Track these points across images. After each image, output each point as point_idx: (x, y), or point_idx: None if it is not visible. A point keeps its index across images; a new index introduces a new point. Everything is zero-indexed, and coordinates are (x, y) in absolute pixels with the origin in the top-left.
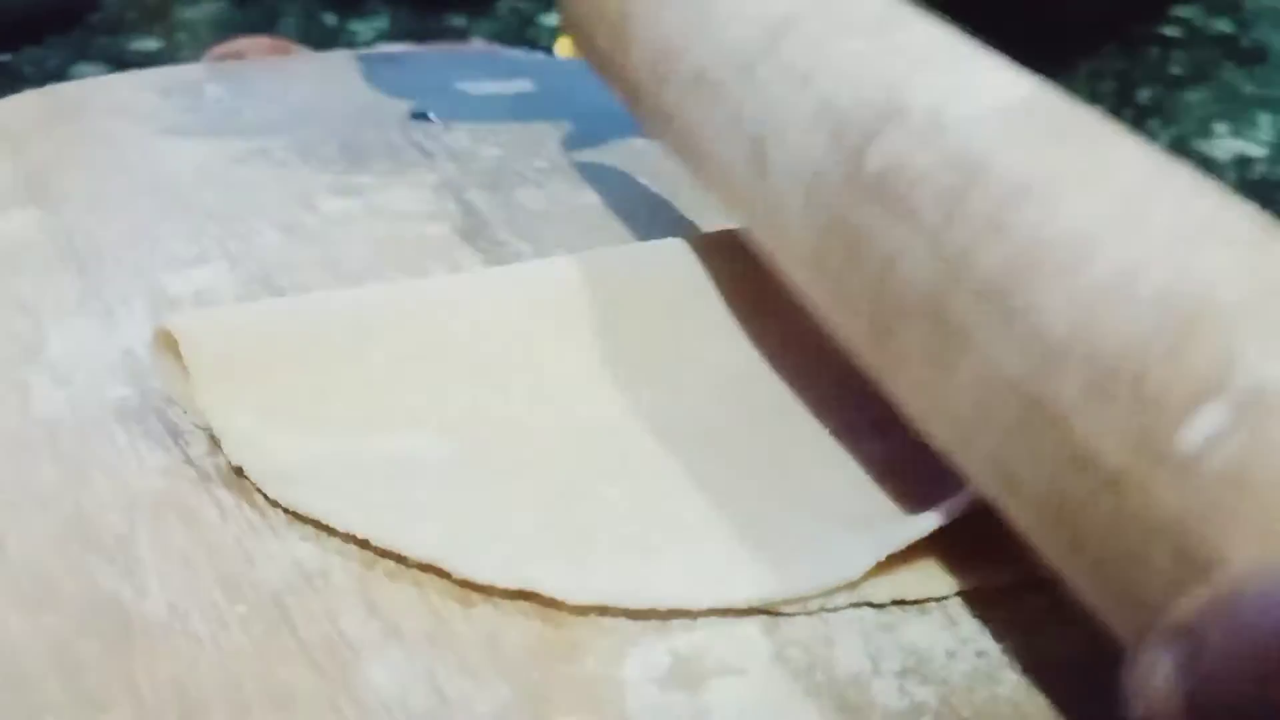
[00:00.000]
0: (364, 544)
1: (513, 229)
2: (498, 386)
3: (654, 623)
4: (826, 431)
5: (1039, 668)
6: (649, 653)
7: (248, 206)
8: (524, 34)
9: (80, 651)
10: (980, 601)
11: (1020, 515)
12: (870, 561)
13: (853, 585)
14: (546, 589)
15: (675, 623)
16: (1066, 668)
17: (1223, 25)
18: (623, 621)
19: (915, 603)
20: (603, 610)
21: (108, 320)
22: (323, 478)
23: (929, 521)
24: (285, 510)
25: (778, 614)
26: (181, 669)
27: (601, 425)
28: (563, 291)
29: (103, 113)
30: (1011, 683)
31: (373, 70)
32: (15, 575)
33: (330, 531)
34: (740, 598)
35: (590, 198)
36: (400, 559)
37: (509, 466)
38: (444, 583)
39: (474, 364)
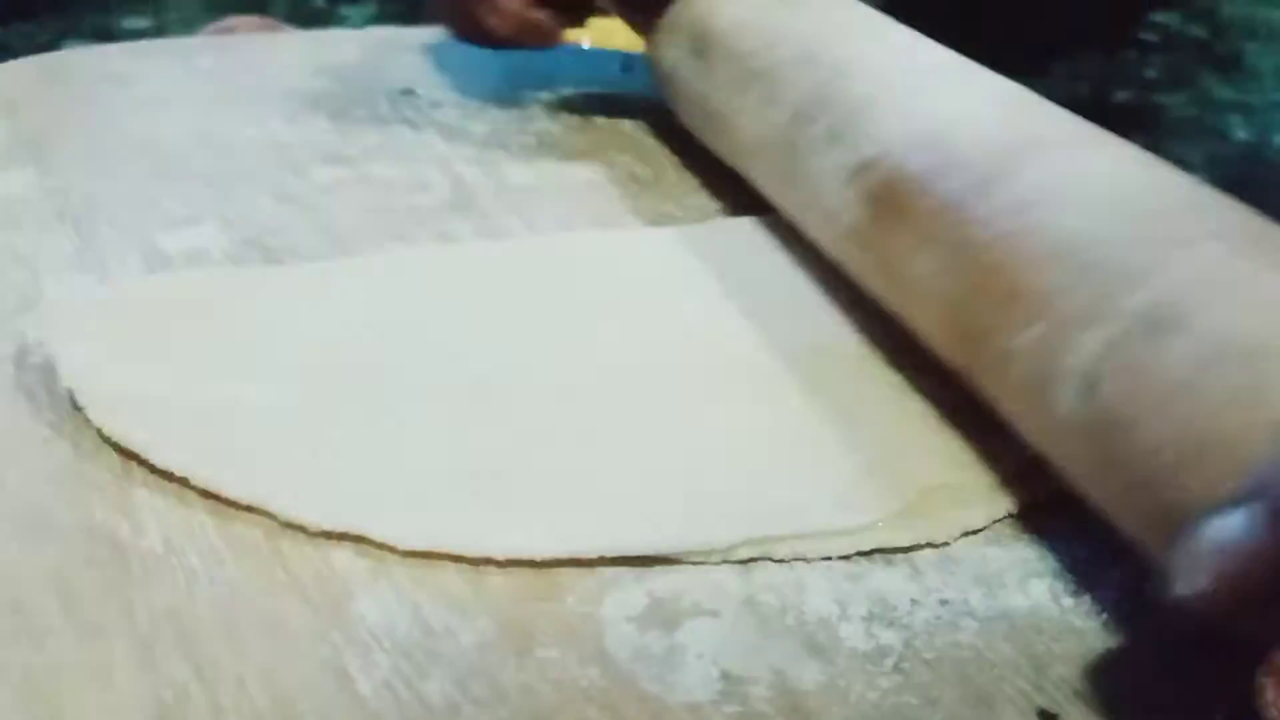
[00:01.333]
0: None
1: (501, 202)
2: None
3: (633, 568)
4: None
5: (998, 617)
6: (627, 594)
7: (239, 172)
8: None
9: (79, 581)
10: (944, 556)
11: None
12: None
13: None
14: (375, 534)
15: (655, 568)
16: (1023, 617)
17: (1199, 31)
18: (602, 566)
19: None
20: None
21: (103, 275)
22: (151, 413)
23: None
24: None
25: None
26: (178, 599)
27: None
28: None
29: (97, 80)
30: (972, 630)
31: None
32: (15, 509)
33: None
34: (596, 546)
35: (578, 174)
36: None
37: (355, 415)
38: None
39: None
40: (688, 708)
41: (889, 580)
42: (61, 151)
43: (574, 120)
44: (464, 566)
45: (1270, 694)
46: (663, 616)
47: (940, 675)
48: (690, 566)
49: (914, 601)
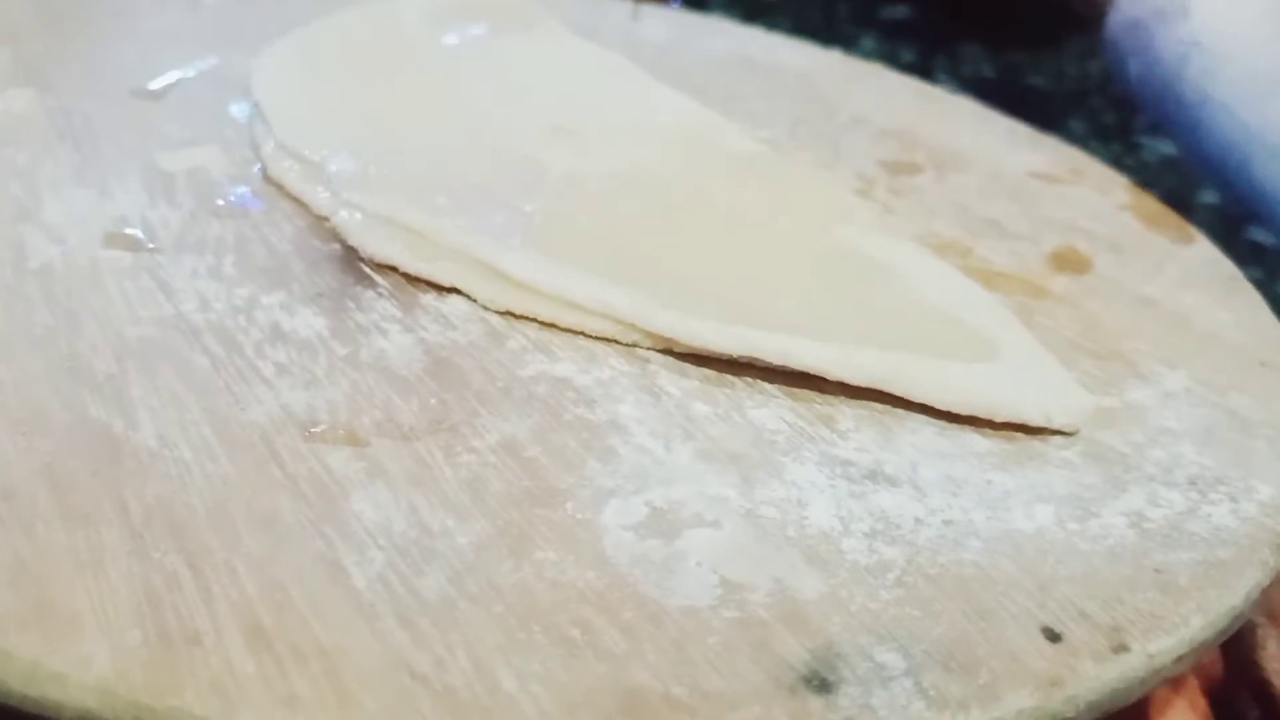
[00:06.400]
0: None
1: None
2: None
3: (631, 479)
4: None
5: (1002, 538)
6: (626, 504)
7: (239, 98)
8: None
9: (71, 471)
10: (947, 478)
11: None
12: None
13: None
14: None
15: (653, 479)
16: (1028, 539)
17: None
18: (600, 476)
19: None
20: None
21: (103, 191)
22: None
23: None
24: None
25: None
26: (169, 491)
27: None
28: None
29: (102, 13)
30: (976, 549)
31: None
32: (8, 403)
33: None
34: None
35: None
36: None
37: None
38: (433, 435)
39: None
40: (685, 611)
41: (893, 500)
42: (64, 76)
43: None
44: (460, 475)
45: (1271, 647)
46: (662, 526)
47: (943, 590)
48: (692, 479)
49: (918, 520)
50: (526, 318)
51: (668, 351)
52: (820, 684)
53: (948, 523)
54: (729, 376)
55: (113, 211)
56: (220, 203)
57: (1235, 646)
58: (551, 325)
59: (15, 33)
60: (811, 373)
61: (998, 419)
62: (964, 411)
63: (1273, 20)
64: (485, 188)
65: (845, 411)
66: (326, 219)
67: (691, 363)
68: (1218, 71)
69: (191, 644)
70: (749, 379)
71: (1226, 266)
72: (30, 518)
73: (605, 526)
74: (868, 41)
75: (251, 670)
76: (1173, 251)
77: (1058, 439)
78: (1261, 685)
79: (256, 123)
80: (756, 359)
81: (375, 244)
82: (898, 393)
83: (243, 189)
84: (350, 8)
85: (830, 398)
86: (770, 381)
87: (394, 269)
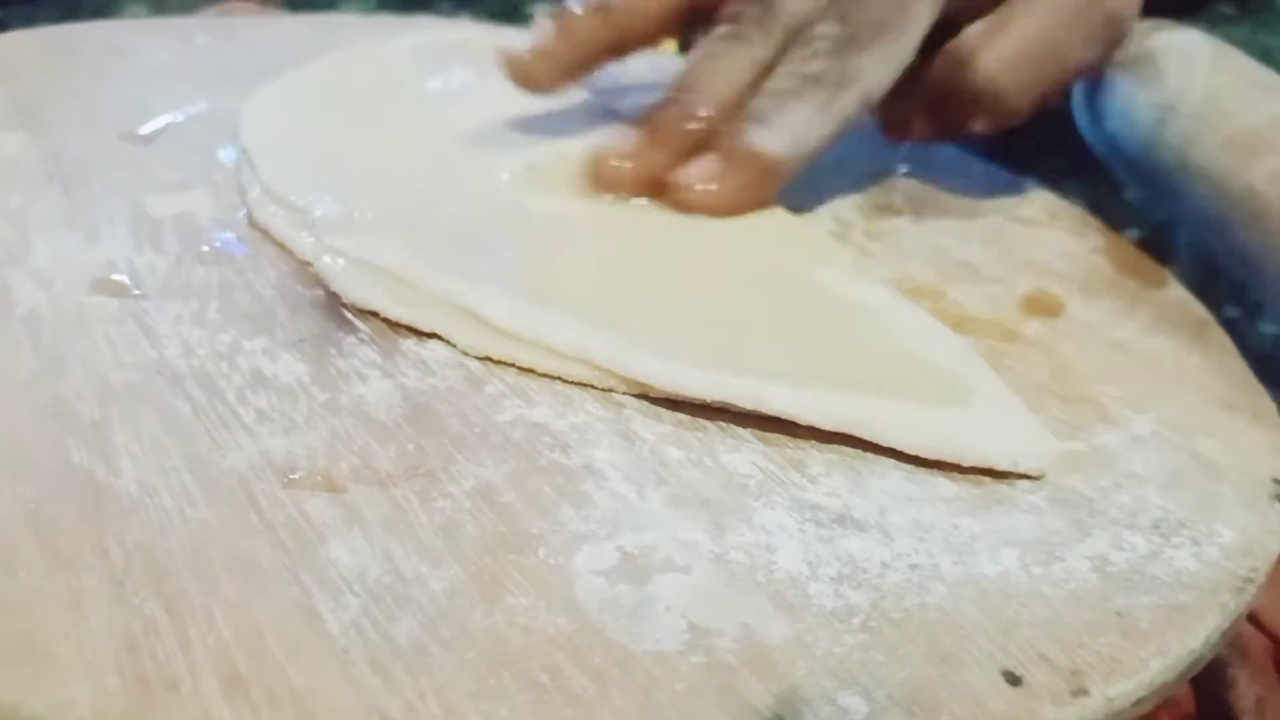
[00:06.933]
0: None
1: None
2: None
3: (604, 524)
4: None
5: (966, 582)
6: (598, 549)
7: (230, 142)
8: (511, 20)
9: (53, 516)
10: (915, 523)
11: None
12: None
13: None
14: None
15: (625, 524)
16: (992, 583)
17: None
18: (574, 521)
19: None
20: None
21: (91, 235)
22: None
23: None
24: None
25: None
26: (150, 537)
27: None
28: None
29: (96, 51)
30: (940, 593)
31: None
32: None
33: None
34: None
35: None
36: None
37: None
38: (409, 481)
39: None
40: (654, 656)
41: (860, 544)
42: (56, 117)
43: None
44: (435, 520)
45: (1241, 686)
46: (633, 571)
47: (907, 634)
48: (662, 524)
49: (884, 565)
50: (505, 363)
51: (643, 396)
52: None
53: (914, 567)
54: (702, 421)
55: (100, 257)
56: (205, 248)
57: (1206, 686)
58: (529, 370)
59: (12, 73)
60: (783, 418)
61: (965, 464)
62: (932, 456)
63: (1248, 85)
64: (467, 232)
65: (816, 456)
66: (310, 264)
67: (666, 407)
68: (1195, 136)
69: (169, 690)
70: (722, 423)
71: (1197, 310)
72: (12, 561)
73: (577, 572)
74: None
75: (227, 717)
76: (1144, 295)
77: (1024, 483)
78: None
79: (243, 168)
80: (729, 404)
81: (357, 290)
82: (867, 437)
83: (228, 234)
84: (338, 51)
85: (801, 442)
86: (743, 426)
87: (375, 314)
